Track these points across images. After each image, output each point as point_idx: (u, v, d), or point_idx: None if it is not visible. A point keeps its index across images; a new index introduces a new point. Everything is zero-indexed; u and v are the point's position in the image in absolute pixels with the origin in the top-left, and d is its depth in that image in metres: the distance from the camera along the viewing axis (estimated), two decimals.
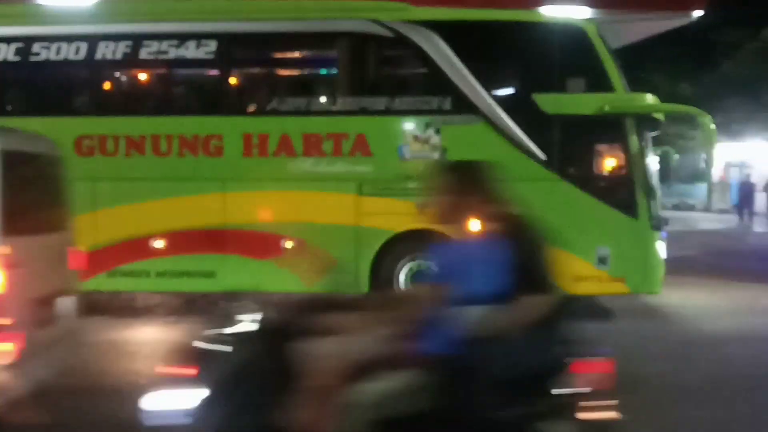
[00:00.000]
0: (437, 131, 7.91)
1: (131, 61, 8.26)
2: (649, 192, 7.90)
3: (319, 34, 8.18)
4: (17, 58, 8.21)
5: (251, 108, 8.44)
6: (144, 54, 8.16)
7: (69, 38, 8.12)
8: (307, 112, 8.11)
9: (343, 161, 8.01)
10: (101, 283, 8.14)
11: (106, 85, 8.66)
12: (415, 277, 8.02)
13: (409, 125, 7.95)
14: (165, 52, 8.15)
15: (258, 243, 8.07)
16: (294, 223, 8.02)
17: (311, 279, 7.85)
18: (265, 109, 8.20)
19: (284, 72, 9.14)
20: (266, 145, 8.05)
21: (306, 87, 8.63)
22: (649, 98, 7.99)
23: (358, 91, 8.12)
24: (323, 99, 8.26)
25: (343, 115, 8.07)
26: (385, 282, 8.04)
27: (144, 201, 8.15)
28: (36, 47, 8.18)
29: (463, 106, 7.88)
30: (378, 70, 8.38)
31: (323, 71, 8.72)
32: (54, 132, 7.59)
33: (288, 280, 7.71)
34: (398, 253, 8.05)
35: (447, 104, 7.93)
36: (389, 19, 7.98)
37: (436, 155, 7.93)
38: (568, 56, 7.90)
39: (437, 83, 7.95)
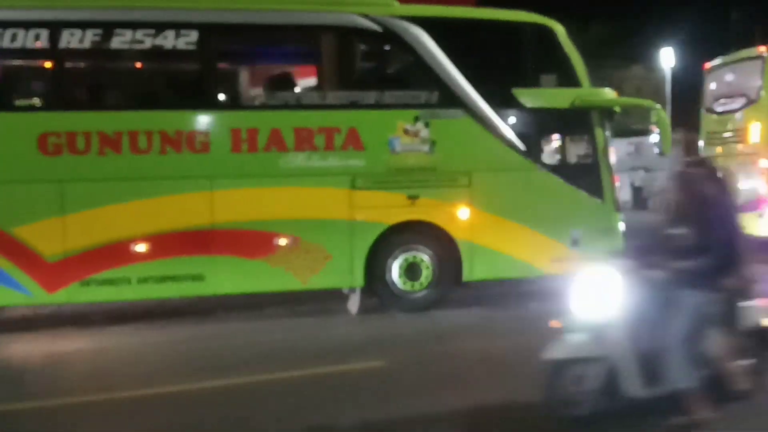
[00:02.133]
0: (426, 124, 8.12)
1: (101, 51, 7.57)
2: (612, 177, 8.72)
3: (308, 27, 8.02)
4: None
5: (238, 101, 8.08)
6: (117, 43, 7.51)
7: (28, 24, 7.27)
8: (298, 106, 7.95)
9: (336, 155, 7.96)
10: (73, 294, 7.50)
11: (74, 77, 7.85)
12: (408, 268, 8.20)
13: (400, 119, 8.09)
14: (141, 42, 7.57)
15: (249, 242, 7.81)
16: (287, 220, 7.88)
17: (306, 276, 7.88)
18: (254, 102, 7.90)
19: (273, 65, 8.84)
20: (256, 140, 7.77)
21: (293, 80, 8.40)
22: (611, 92, 8.79)
23: (350, 84, 8.09)
24: (314, 93, 8.11)
25: (335, 109, 8.01)
26: (378, 274, 8.13)
27: (122, 202, 7.54)
28: None
29: (449, 100, 8.16)
30: (368, 64, 8.42)
31: (313, 65, 8.54)
32: (13, 129, 6.93)
33: (282, 279, 7.69)
34: (392, 245, 8.18)
35: (434, 98, 8.16)
36: (377, 14, 8.03)
37: (425, 148, 8.16)
38: (541, 54, 8.47)
39: (425, 78, 8.15)
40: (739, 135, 11.16)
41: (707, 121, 12.14)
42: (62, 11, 7.37)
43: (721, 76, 12.00)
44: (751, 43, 12.47)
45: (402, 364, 6.08)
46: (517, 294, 8.76)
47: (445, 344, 6.82)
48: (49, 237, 7.39)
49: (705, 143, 12.05)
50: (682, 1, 29.34)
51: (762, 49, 10.94)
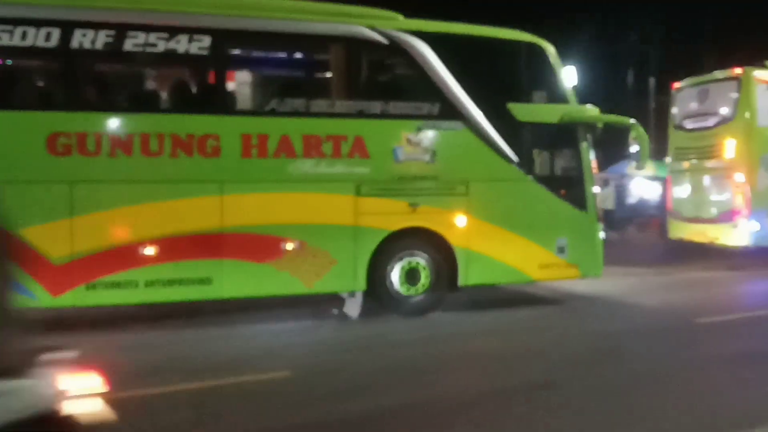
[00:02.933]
0: (428, 134, 8.44)
1: (114, 52, 7.50)
2: (594, 189, 9.30)
3: (319, 36, 8.18)
4: None
5: (249, 107, 8.15)
6: (130, 45, 7.47)
7: (38, 23, 7.13)
8: (307, 114, 8.09)
9: (342, 163, 8.16)
10: (79, 297, 7.38)
11: (86, 77, 7.72)
12: (408, 273, 8.49)
13: (404, 129, 8.37)
14: (154, 45, 7.55)
15: (257, 246, 7.90)
16: (294, 225, 8.02)
17: (311, 280, 8.10)
18: (265, 108, 8.00)
19: (283, 72, 8.92)
20: (266, 146, 7.88)
21: (305, 88, 8.54)
22: (595, 109, 9.37)
23: (357, 94, 8.31)
24: (323, 101, 8.27)
25: (342, 117, 8.20)
26: (380, 279, 8.38)
27: (131, 205, 7.49)
28: None
29: (450, 112, 8.51)
30: (374, 75, 8.62)
31: (322, 74, 8.70)
32: (21, 128, 6.84)
33: (288, 283, 7.85)
34: (393, 251, 8.44)
35: (436, 110, 8.48)
36: (383, 27, 8.30)
37: (426, 158, 8.47)
38: (533, 71, 8.96)
39: (427, 90, 8.46)
40: (714, 151, 12.04)
41: (675, 137, 13.02)
42: (75, 11, 7.26)
43: (691, 96, 12.88)
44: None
45: (310, 373, 6.07)
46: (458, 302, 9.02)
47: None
48: (56, 239, 7.25)
49: (673, 158, 12.94)
50: (583, 22, 30.57)
51: (738, 71, 11.89)
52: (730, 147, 11.72)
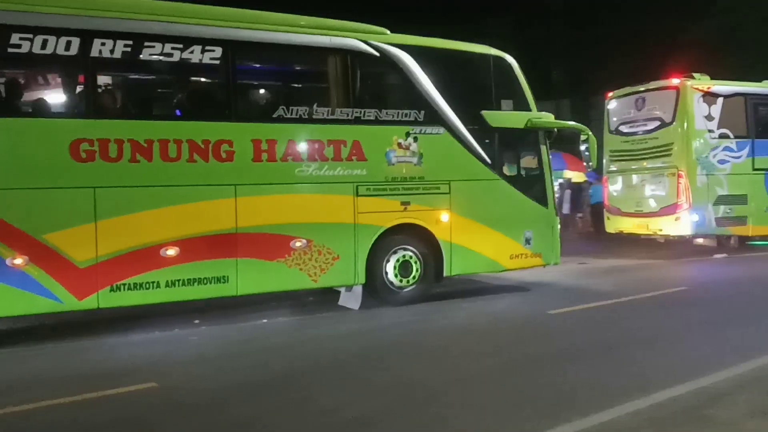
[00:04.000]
0: (415, 139, 9.25)
1: (132, 62, 7.75)
2: (552, 187, 10.46)
3: (319, 48, 8.74)
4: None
5: (259, 114, 8.58)
6: (146, 55, 7.76)
7: (58, 32, 7.28)
8: (310, 120, 8.65)
9: (342, 166, 8.79)
10: (103, 299, 7.59)
11: (108, 86, 7.88)
12: (402, 266, 9.24)
13: (395, 134, 9.12)
14: (170, 55, 7.87)
15: (269, 245, 8.38)
16: (301, 224, 8.58)
17: (317, 275, 8.84)
18: (272, 115, 8.48)
19: (288, 81, 9.35)
20: (274, 150, 8.38)
21: (306, 96, 9.05)
22: (551, 116, 10.53)
23: (353, 102, 8.95)
24: (324, 108, 8.84)
25: (342, 123, 8.83)
26: (377, 272, 9.08)
27: (152, 209, 7.77)
28: (17, 38, 7.14)
29: (433, 118, 9.35)
30: (367, 84, 9.28)
31: (323, 83, 9.24)
32: (31, 135, 7.06)
33: (297, 279, 8.47)
34: (387, 246, 9.17)
35: (421, 116, 9.30)
36: (374, 40, 9.03)
37: (414, 160, 9.27)
38: (502, 81, 9.98)
39: (413, 98, 9.25)
40: (654, 152, 13.61)
41: (611, 141, 14.53)
42: (95, 20, 7.47)
43: (626, 103, 14.41)
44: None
45: (176, 384, 5.95)
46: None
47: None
48: (81, 243, 7.41)
49: (608, 160, 14.45)
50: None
51: (676, 81, 13.51)
52: (669, 148, 13.38)
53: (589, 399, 5.21)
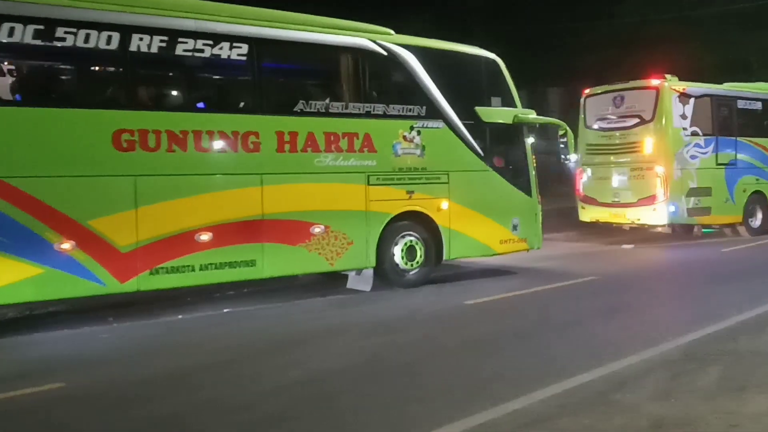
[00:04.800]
0: (418, 132, 9.96)
1: (167, 56, 8.13)
2: (535, 178, 11.38)
3: (334, 46, 9.33)
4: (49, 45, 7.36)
5: (282, 108, 9.07)
6: (180, 50, 8.17)
7: (100, 26, 7.63)
8: (327, 114, 9.23)
9: (355, 156, 9.42)
10: (143, 282, 7.97)
11: (147, 80, 8.21)
12: (408, 250, 9.94)
13: (400, 128, 9.81)
14: (201, 51, 8.30)
15: (291, 231, 8.91)
16: (319, 211, 9.16)
17: (334, 259, 9.57)
18: (293, 109, 9.01)
19: (306, 77, 9.83)
20: (296, 142, 8.93)
21: (323, 91, 9.58)
22: (534, 112, 11.45)
23: (364, 97, 9.58)
24: (338, 102, 9.42)
25: (355, 117, 9.44)
26: (386, 256, 9.75)
27: (187, 196, 8.19)
28: (61, 32, 7.44)
29: (433, 112, 10.09)
30: (376, 80, 9.91)
31: (336, 78, 9.79)
32: (79, 125, 7.46)
33: (316, 262, 9.10)
34: (394, 232, 9.84)
35: (423, 111, 10.02)
36: (381, 40, 9.70)
37: (418, 152, 9.98)
38: (491, 80, 10.83)
39: (416, 94, 9.96)
40: (633, 147, 14.74)
41: (586, 135, 15.61)
42: (133, 16, 7.83)
43: (604, 101, 15.49)
44: None
45: (85, 384, 5.79)
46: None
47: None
48: (122, 229, 7.77)
49: (583, 153, 15.52)
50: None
51: (655, 82, 14.66)
52: (649, 144, 14.54)
53: (501, 388, 5.30)
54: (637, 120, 14.77)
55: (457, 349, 6.71)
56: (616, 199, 15.03)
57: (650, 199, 14.41)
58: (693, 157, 14.92)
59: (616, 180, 15.13)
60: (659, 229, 15.51)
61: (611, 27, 29.83)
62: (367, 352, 6.68)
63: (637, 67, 18.77)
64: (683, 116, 14.74)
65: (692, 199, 14.84)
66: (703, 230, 16.07)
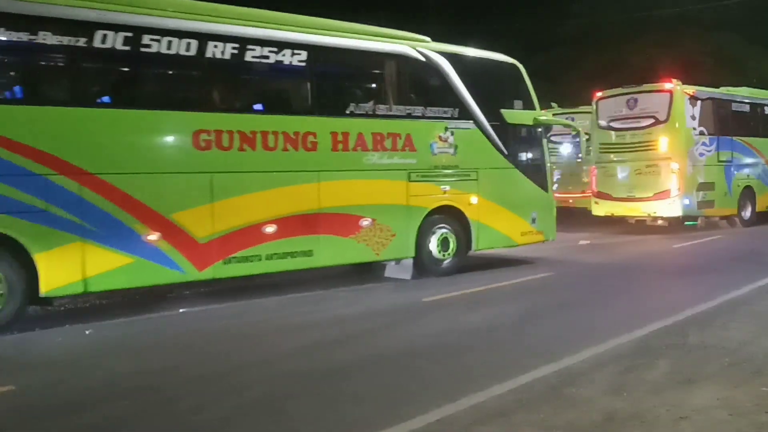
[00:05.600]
0: (452, 133, 10.80)
1: (237, 62, 8.80)
2: (551, 174, 12.33)
3: (381, 53, 10.09)
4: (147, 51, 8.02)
5: (336, 110, 9.79)
6: (249, 57, 8.85)
7: (179, 34, 8.27)
8: (375, 116, 10.00)
9: (398, 155, 10.22)
10: (218, 271, 8.66)
11: (221, 84, 8.85)
12: (442, 242, 10.78)
13: (436, 129, 10.64)
14: (267, 57, 8.99)
15: (343, 223, 9.69)
16: (367, 206, 9.94)
17: (379, 250, 10.50)
18: (345, 111, 9.76)
19: (356, 81, 10.54)
20: (348, 141, 9.69)
21: (370, 94, 10.32)
22: (550, 114, 12.38)
23: (405, 100, 10.38)
24: (384, 105, 10.19)
25: (398, 118, 10.23)
26: (423, 247, 10.58)
27: (255, 191, 8.89)
28: (147, 39, 8.06)
29: (464, 114, 10.94)
30: (416, 84, 10.71)
31: (381, 82, 10.54)
32: (165, 126, 8.16)
33: (364, 252, 9.92)
34: (431, 224, 10.67)
35: (456, 113, 10.86)
36: (420, 47, 10.51)
37: (452, 151, 10.82)
38: (514, 83, 11.72)
39: (450, 97, 10.79)
40: (648, 146, 15.89)
41: (600, 134, 16.78)
42: (208, 24, 8.49)
43: (617, 103, 16.65)
44: None
45: (35, 386, 5.64)
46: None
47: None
48: (201, 221, 8.44)
49: (598, 152, 16.65)
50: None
51: (669, 85, 15.85)
52: (664, 143, 15.80)
53: (457, 384, 5.31)
54: (651, 120, 15.98)
55: (410, 347, 6.63)
56: (631, 194, 16.24)
57: (665, 193, 15.66)
58: (701, 154, 16.31)
59: (632, 176, 16.36)
60: (659, 222, 16.73)
61: (566, 27, 30.63)
62: (312, 352, 6.49)
63: (593, 66, 19.71)
64: (693, 117, 16.11)
65: (701, 193, 16.31)
66: (686, 223, 17.33)
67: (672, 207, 15.79)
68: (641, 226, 17.11)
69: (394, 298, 9.30)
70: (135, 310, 8.53)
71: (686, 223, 17.22)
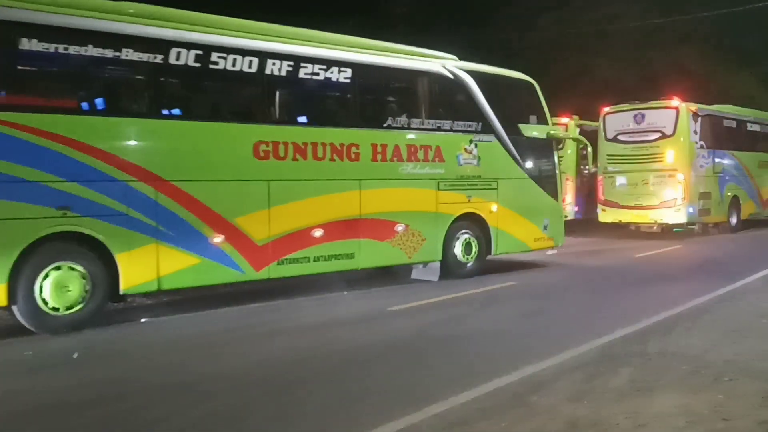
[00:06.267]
0: (476, 145, 11.63)
1: (292, 78, 9.51)
2: (561, 184, 13.24)
3: (415, 70, 10.90)
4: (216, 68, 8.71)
5: (376, 123, 10.53)
6: (302, 74, 9.56)
7: (243, 52, 8.96)
8: (409, 129, 10.78)
9: (429, 165, 11.01)
10: (272, 271, 9.35)
11: (277, 98, 9.54)
12: (466, 246, 11.59)
13: (463, 141, 11.45)
14: (317, 74, 9.72)
15: (381, 228, 10.43)
16: (402, 212, 10.71)
17: (412, 253, 11.40)
18: (384, 124, 10.52)
19: (392, 96, 11.28)
20: (386, 152, 10.44)
21: (405, 108, 11.08)
22: (561, 129, 13.29)
23: (436, 114, 11.18)
24: (417, 119, 10.98)
25: (429, 131, 11.02)
26: (449, 251, 11.37)
27: (305, 198, 9.60)
28: (215, 57, 8.73)
29: (487, 128, 11.78)
30: (445, 100, 11.51)
31: (414, 98, 11.31)
32: (230, 137, 8.87)
33: (398, 256, 10.71)
34: (455, 230, 11.47)
35: (479, 127, 11.69)
36: (449, 65, 11.33)
37: (475, 162, 11.65)
38: (529, 100, 12.60)
39: (474, 112, 11.62)
40: (655, 158, 17.00)
41: (608, 147, 17.97)
42: (268, 43, 9.19)
43: (624, 118, 17.91)
44: None
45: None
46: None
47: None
48: (259, 225, 9.11)
49: (605, 163, 17.77)
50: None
51: (675, 103, 17.01)
52: (670, 155, 17.04)
53: (423, 392, 5.34)
54: (659, 134, 17.21)
55: (376, 354, 6.70)
56: (639, 203, 17.41)
57: (672, 202, 16.79)
58: (701, 166, 17.67)
59: (639, 185, 17.56)
60: (654, 228, 17.91)
61: (532, 38, 31.09)
62: (273, 362, 6.50)
63: (556, 79, 20.44)
64: (695, 132, 17.45)
65: (701, 201, 17.60)
66: (674, 229, 18.53)
67: (678, 214, 17.03)
68: (620, 232, 18.42)
69: (360, 307, 9.27)
70: (95, 320, 8.02)
71: (675, 229, 18.42)
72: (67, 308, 7.68)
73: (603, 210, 18.28)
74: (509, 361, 6.14)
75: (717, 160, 18.40)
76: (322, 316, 8.78)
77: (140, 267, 8.15)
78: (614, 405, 4.92)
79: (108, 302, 8.20)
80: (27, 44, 7.48)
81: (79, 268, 7.76)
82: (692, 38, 29.97)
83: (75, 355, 6.86)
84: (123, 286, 8.05)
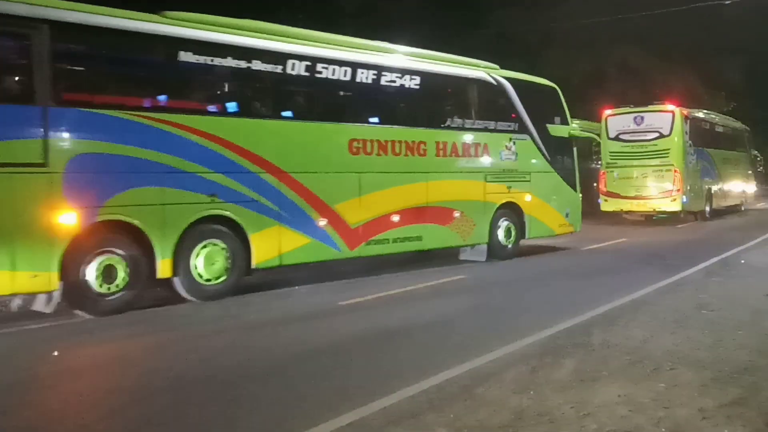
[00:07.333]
0: (514, 143, 13.37)
1: (377, 86, 11.08)
2: (579, 176, 15.12)
3: (465, 77, 12.59)
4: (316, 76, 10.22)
5: (439, 123, 12.17)
6: (383, 81, 11.14)
7: (340, 63, 10.52)
8: (463, 128, 12.46)
9: (478, 160, 12.71)
10: (362, 250, 10.92)
11: (366, 101, 11.11)
12: (506, 231, 13.31)
13: (504, 139, 13.18)
14: (394, 81, 11.31)
15: (442, 215, 12.07)
16: (457, 201, 12.36)
17: (465, 237, 13.35)
18: (444, 124, 12.17)
19: (449, 100, 12.90)
20: (446, 149, 12.10)
21: (459, 111, 12.72)
22: (579, 128, 15.15)
23: (483, 116, 12.89)
24: (469, 120, 12.66)
25: (479, 131, 12.72)
26: (493, 235, 13.08)
27: (386, 188, 11.17)
28: (320, 67, 10.26)
29: (522, 128, 13.54)
30: (490, 103, 13.21)
31: (466, 101, 12.96)
32: (332, 135, 10.44)
33: (455, 238, 12.40)
34: (498, 217, 13.19)
35: (516, 127, 13.44)
36: (492, 73, 13.05)
37: (513, 158, 13.39)
38: (553, 103, 14.41)
39: (512, 114, 13.38)
40: (654, 154, 19.17)
41: (610, 145, 20.16)
42: (358, 54, 10.77)
43: (625, 119, 20.14)
44: None
45: None
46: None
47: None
48: (353, 210, 10.65)
49: (608, 158, 19.91)
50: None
51: (671, 107, 19.20)
52: (667, 153, 19.05)
53: (371, 387, 5.30)
54: (657, 134, 19.44)
55: (323, 349, 6.65)
56: (639, 193, 19.55)
57: (668, 193, 18.99)
58: (690, 162, 19.83)
59: (639, 178, 19.81)
60: (639, 217, 20.28)
61: (478, 37, 31.22)
62: (217, 358, 6.41)
63: None
64: (686, 132, 19.77)
65: (691, 193, 19.92)
66: (654, 217, 20.95)
67: (674, 204, 19.26)
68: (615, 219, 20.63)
69: (310, 302, 9.19)
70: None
71: (654, 217, 20.76)
72: (216, 278, 9.11)
73: (605, 200, 20.42)
74: (457, 354, 6.19)
75: (699, 157, 20.90)
76: (272, 312, 8.65)
77: (267, 245, 9.61)
78: (559, 395, 4.99)
79: (243, 275, 9.62)
80: (185, 57, 8.91)
81: (222, 245, 9.19)
82: (630, 37, 30.72)
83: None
84: (254, 262, 9.50)
